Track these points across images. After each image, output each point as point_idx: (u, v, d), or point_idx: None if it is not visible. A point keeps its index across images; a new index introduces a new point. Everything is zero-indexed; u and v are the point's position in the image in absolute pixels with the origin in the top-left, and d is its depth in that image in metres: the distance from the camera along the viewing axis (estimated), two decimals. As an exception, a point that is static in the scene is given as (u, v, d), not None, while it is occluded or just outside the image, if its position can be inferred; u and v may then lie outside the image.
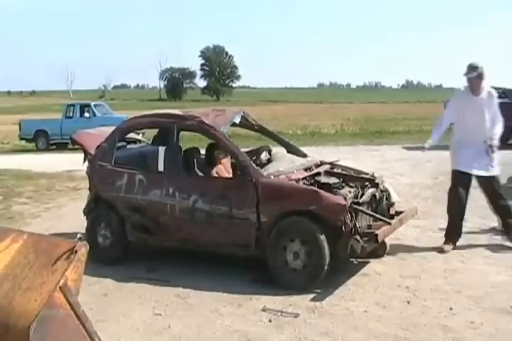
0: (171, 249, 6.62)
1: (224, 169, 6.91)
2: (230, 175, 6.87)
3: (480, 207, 9.05)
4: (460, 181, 6.81)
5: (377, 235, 5.63)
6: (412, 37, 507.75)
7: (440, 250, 6.75)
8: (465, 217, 8.22)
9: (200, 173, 6.74)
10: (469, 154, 6.75)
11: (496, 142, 6.75)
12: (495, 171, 6.88)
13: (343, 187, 6.15)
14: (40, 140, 24.38)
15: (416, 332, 4.62)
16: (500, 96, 19.46)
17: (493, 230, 7.61)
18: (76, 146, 8.79)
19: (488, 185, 6.92)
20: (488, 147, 6.68)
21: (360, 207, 5.79)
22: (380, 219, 5.99)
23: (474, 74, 6.74)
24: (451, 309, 5.07)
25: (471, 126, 6.84)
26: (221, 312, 5.19)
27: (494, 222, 7.99)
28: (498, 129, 6.90)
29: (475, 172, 6.77)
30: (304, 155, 7.17)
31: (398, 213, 6.53)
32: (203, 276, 6.13)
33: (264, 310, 5.17)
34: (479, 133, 6.78)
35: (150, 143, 7.84)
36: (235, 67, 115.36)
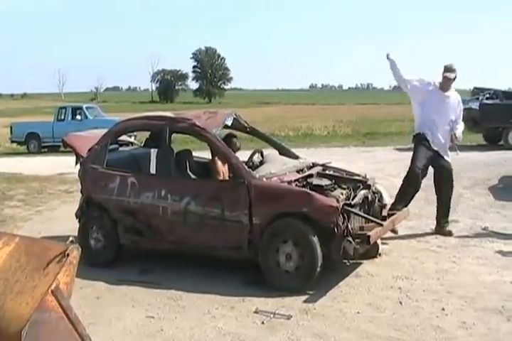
0: (164, 251, 6.61)
1: (226, 170, 6.84)
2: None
3: (472, 208, 9.12)
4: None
5: (369, 236, 5.64)
6: (403, 38, 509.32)
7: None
8: (456, 217, 8.30)
9: (193, 175, 6.74)
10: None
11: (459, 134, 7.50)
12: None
13: (335, 189, 6.16)
14: (32, 143, 24.29)
15: (408, 333, 4.64)
16: (491, 97, 19.60)
17: (484, 230, 7.64)
18: (68, 149, 8.76)
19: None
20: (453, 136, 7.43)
21: (353, 209, 5.81)
22: (373, 221, 6.01)
23: (453, 75, 7.29)
24: (443, 309, 5.09)
25: (435, 119, 7.37)
26: (214, 314, 5.19)
27: (485, 222, 8.04)
28: (460, 128, 7.60)
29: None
30: (296, 157, 7.17)
31: (390, 214, 6.55)
32: (196, 278, 6.13)
33: (256, 311, 5.17)
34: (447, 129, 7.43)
35: (142, 145, 7.84)
36: (227, 69, 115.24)
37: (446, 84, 7.32)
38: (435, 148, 7.35)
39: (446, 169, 7.45)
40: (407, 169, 7.41)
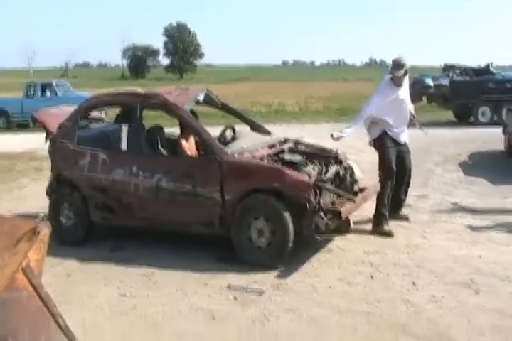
0: (136, 228, 6.59)
1: (192, 147, 6.82)
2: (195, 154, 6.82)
3: (442, 184, 9.23)
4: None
5: (340, 212, 5.67)
6: (377, 15, 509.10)
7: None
8: (427, 193, 8.38)
9: (164, 152, 6.69)
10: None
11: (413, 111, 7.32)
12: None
13: (307, 165, 6.17)
14: (0, 119, 23.93)
15: (380, 307, 4.70)
16: (461, 74, 19.75)
17: (454, 206, 7.73)
18: (38, 126, 8.63)
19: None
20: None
21: (325, 185, 5.82)
22: (344, 196, 6.03)
23: (402, 73, 6.82)
24: (413, 284, 5.16)
25: (398, 114, 6.96)
26: (186, 290, 5.19)
27: (455, 197, 8.15)
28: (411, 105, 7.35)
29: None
30: (268, 133, 7.16)
31: (362, 190, 6.59)
32: (169, 255, 6.12)
33: (229, 287, 5.20)
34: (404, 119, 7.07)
35: (113, 121, 7.75)
36: (198, 44, 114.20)
37: (397, 81, 6.87)
38: (395, 138, 6.96)
39: (407, 153, 7.12)
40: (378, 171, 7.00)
